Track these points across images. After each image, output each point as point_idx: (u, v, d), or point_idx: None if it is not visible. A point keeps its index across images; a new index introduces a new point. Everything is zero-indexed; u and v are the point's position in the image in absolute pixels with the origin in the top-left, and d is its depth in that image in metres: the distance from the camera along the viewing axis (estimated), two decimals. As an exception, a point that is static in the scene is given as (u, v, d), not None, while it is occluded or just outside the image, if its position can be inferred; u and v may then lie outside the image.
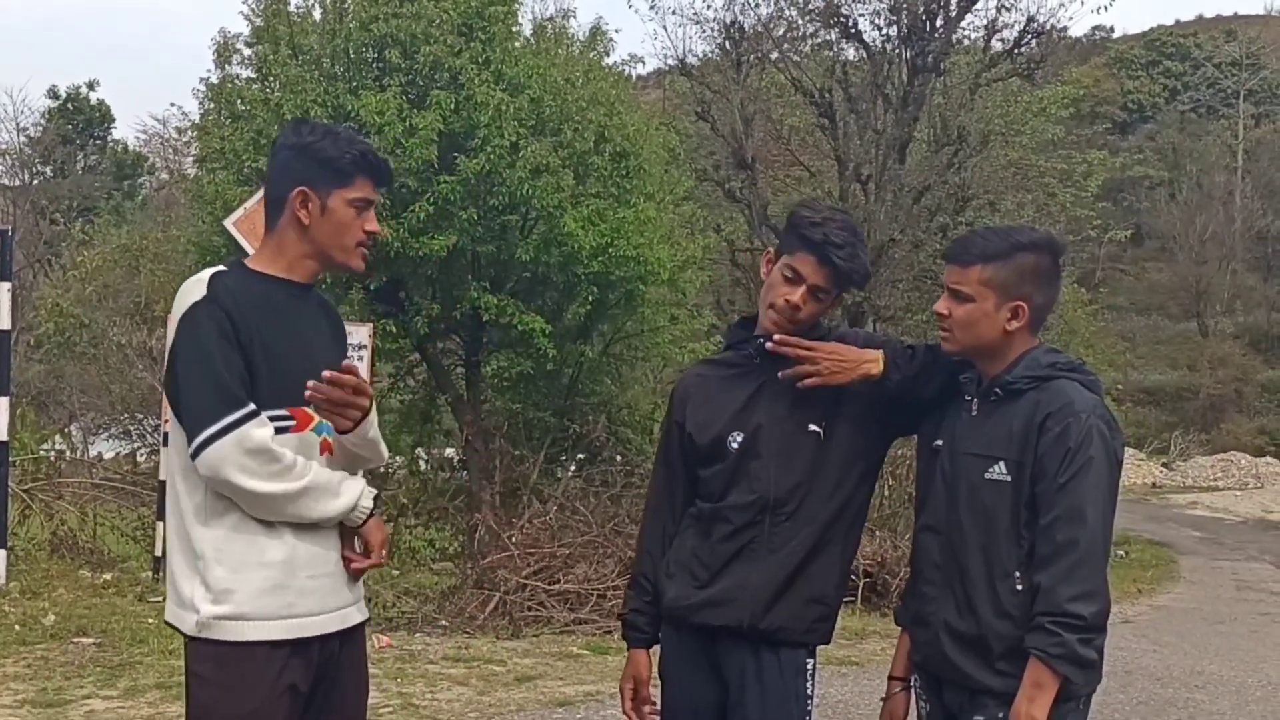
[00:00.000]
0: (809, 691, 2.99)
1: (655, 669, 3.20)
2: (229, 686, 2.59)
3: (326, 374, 2.63)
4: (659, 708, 3.18)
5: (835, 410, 2.97)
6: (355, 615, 2.82)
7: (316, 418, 2.69)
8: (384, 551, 2.81)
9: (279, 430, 2.63)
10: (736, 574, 2.96)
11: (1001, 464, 2.74)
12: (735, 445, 2.99)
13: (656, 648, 3.20)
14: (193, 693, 2.66)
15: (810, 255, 2.96)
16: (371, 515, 2.75)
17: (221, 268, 2.73)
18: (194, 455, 2.56)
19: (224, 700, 2.59)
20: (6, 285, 9.23)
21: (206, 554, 2.59)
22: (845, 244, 2.97)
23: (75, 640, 7.54)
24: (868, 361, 2.91)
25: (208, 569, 2.58)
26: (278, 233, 2.76)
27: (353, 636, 2.83)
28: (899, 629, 3.08)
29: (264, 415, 2.60)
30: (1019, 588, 2.70)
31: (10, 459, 9.73)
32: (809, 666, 2.99)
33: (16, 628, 7.84)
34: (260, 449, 2.55)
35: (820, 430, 2.96)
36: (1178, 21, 79.04)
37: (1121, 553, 17.59)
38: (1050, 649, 2.60)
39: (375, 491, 2.76)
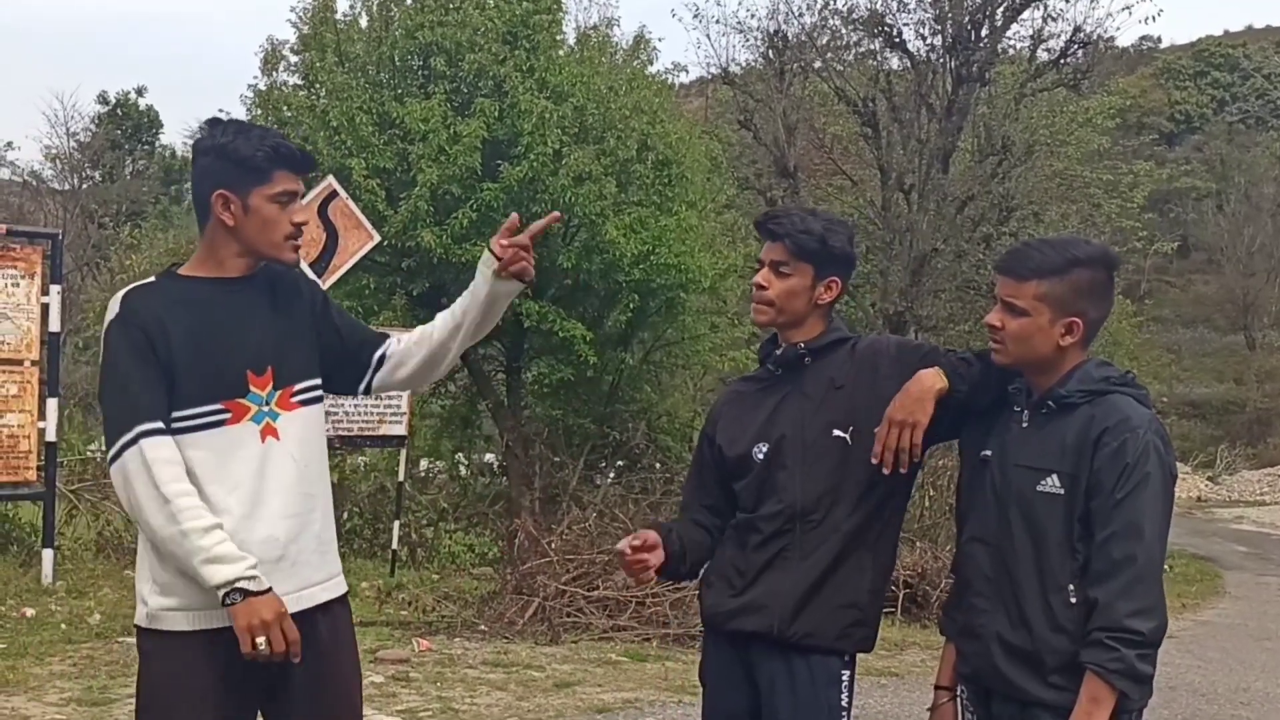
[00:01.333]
0: (844, 703, 2.97)
1: (698, 672, 3.22)
2: (174, 673, 2.69)
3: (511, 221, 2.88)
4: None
5: (862, 416, 2.96)
6: (320, 594, 2.81)
7: (255, 407, 2.73)
8: (260, 643, 2.61)
9: (213, 424, 2.68)
10: (768, 581, 2.97)
11: (1054, 477, 2.72)
12: (760, 456, 3.01)
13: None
14: (140, 680, 2.79)
15: (763, 239, 3.07)
16: (235, 600, 2.60)
17: (146, 280, 2.82)
18: (109, 465, 2.69)
19: (168, 688, 2.70)
20: (57, 288, 9.37)
21: (151, 550, 2.71)
22: (784, 214, 3.06)
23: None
24: (927, 391, 2.86)
25: (154, 564, 2.71)
26: (206, 235, 2.78)
27: (323, 617, 2.80)
28: (938, 640, 3.06)
29: (165, 436, 2.63)
30: (1073, 601, 2.68)
31: (58, 459, 9.85)
32: (844, 677, 2.97)
33: (63, 626, 7.94)
34: (149, 464, 2.60)
35: (846, 436, 2.95)
36: (1226, 32, 78.23)
37: (1166, 567, 17.38)
38: (1109, 664, 2.59)
39: (253, 576, 2.61)
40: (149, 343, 2.65)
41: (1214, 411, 46.84)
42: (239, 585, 2.59)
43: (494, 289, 2.92)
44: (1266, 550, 21.74)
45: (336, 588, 2.86)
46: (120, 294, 2.75)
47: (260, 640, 2.60)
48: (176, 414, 2.67)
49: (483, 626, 8.82)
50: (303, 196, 2.83)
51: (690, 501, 3.25)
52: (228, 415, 2.70)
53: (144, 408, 2.62)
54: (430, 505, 13.35)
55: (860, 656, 3.06)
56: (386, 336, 3.04)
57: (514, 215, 3.00)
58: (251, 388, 2.74)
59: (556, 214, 3.06)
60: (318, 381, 2.88)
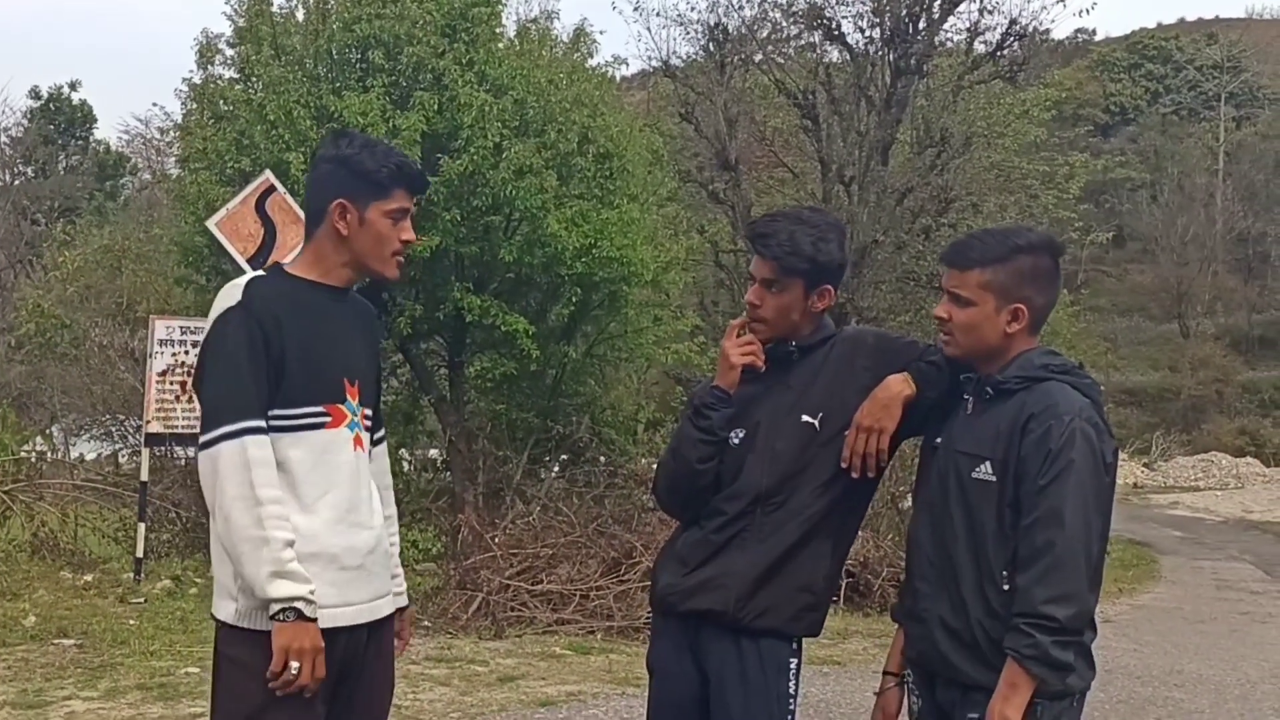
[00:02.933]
0: (791, 691, 3.00)
1: (645, 660, 3.23)
2: (262, 672, 2.64)
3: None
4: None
5: (833, 404, 2.99)
6: (385, 607, 2.89)
7: (350, 415, 2.81)
8: (294, 668, 2.62)
9: (316, 426, 2.75)
10: (724, 561, 2.99)
11: (988, 464, 2.76)
12: (736, 441, 3.04)
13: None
14: (225, 677, 2.75)
15: (754, 254, 3.08)
16: (288, 618, 2.62)
17: (260, 273, 2.87)
18: (201, 448, 2.69)
19: (257, 686, 2.64)
20: (-13, 286, 9.20)
21: None
22: (773, 231, 3.04)
23: (56, 641, 7.52)
24: (895, 398, 2.91)
25: None
26: (316, 241, 2.85)
27: (380, 629, 2.89)
28: (881, 629, 3.11)
29: (266, 437, 2.66)
30: (1005, 588, 2.71)
31: (-9, 460, 9.69)
32: (792, 665, 3.00)
33: (-3, 629, 7.81)
34: (249, 463, 2.62)
35: (815, 422, 2.99)
36: (1159, 24, 79.49)
37: (1102, 553, 17.66)
38: (1024, 650, 2.62)
39: (311, 601, 2.64)
40: (264, 337, 2.69)
41: (1149, 399, 47.63)
42: (296, 605, 2.61)
43: None
44: (1200, 535, 22.15)
45: (395, 602, 2.97)
46: (241, 282, 2.78)
47: (295, 665, 2.61)
48: (282, 411, 2.72)
49: (426, 622, 8.79)
50: (413, 217, 2.91)
51: None
52: (328, 419, 2.78)
53: (253, 403, 2.66)
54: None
55: (804, 644, 3.09)
56: (383, 428, 3.13)
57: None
58: (348, 396, 2.83)
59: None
60: (374, 414, 2.98)
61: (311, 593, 2.63)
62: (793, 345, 3.07)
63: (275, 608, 2.61)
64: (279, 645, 2.61)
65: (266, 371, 2.69)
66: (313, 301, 2.81)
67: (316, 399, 2.76)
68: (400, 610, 3.04)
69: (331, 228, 2.81)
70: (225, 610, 2.72)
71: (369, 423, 2.92)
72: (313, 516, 2.71)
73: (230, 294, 2.75)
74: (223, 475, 2.63)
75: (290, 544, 2.63)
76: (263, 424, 2.66)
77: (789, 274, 3.01)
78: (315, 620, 2.64)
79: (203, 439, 2.69)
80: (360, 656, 2.82)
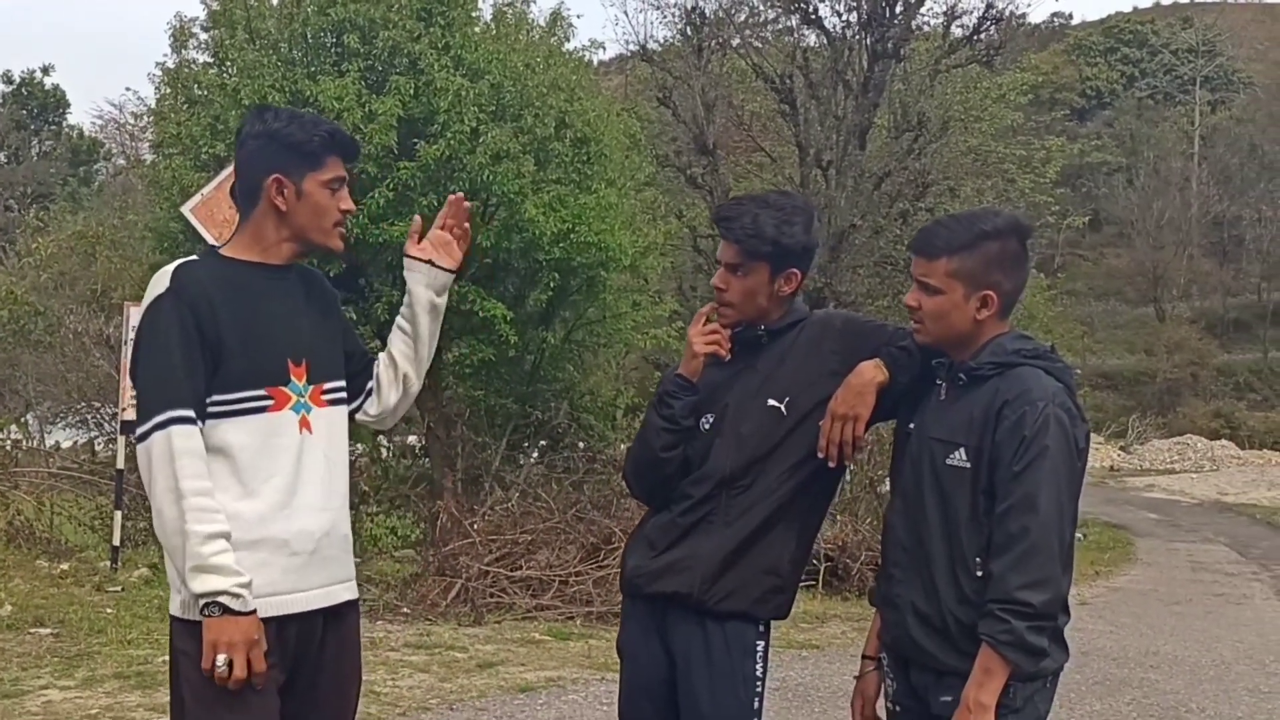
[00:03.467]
0: (758, 673, 3.00)
1: (615, 644, 3.23)
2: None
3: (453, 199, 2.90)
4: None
5: (800, 387, 2.99)
6: (343, 593, 2.83)
7: (295, 397, 2.74)
8: (220, 663, 2.56)
9: (257, 410, 2.68)
10: (691, 545, 3.00)
11: (962, 450, 2.76)
12: (707, 426, 3.04)
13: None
14: (176, 668, 2.71)
15: (720, 239, 3.08)
16: (213, 613, 2.56)
17: (192, 257, 2.79)
18: (137, 441, 2.65)
19: (205, 678, 2.59)
20: (-41, 273, 9.12)
21: None
22: (737, 215, 3.03)
23: (32, 630, 7.48)
24: (868, 384, 2.90)
25: None
26: (253, 221, 2.78)
27: (340, 616, 2.83)
28: (859, 613, 3.13)
29: (194, 427, 2.60)
30: (979, 574, 2.72)
31: (-36, 448, 9.62)
32: (759, 648, 3.00)
33: (-28, 619, 7.76)
34: (173, 454, 2.57)
35: (781, 406, 2.99)
36: (1135, 9, 79.82)
37: (1080, 535, 17.77)
38: (999, 635, 2.63)
39: (239, 595, 2.56)
40: (197, 322, 2.63)
41: (1126, 382, 47.96)
42: (220, 599, 2.55)
43: (431, 285, 2.98)
44: (1176, 517, 22.31)
45: (355, 588, 2.90)
46: (169, 268, 2.71)
47: (221, 660, 2.55)
48: (221, 396, 2.66)
49: (405, 609, 8.79)
50: (350, 184, 2.86)
51: None
52: (270, 402, 2.71)
53: (182, 392, 2.60)
54: (351, 488, 13.21)
55: (781, 629, 3.10)
56: (374, 362, 3.06)
57: (416, 218, 3.05)
58: (292, 377, 2.76)
59: (458, 196, 3.03)
60: (343, 384, 2.91)
61: (242, 585, 2.56)
62: (762, 329, 3.06)
63: (200, 602, 2.56)
64: (207, 640, 2.57)
65: (201, 357, 2.63)
66: (250, 282, 2.74)
67: (257, 382, 2.70)
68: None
69: (269, 204, 2.75)
70: (173, 603, 2.69)
71: (330, 398, 2.84)
72: (257, 501, 2.66)
73: (160, 281, 2.69)
74: (153, 469, 2.59)
75: (216, 536, 2.55)
76: (189, 413, 2.60)
77: (753, 257, 3.00)
78: (248, 613, 2.57)
79: (137, 431, 2.65)
80: (317, 644, 2.76)
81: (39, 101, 44.38)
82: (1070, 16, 70.43)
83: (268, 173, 2.74)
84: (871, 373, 2.91)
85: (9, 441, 14.77)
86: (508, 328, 11.97)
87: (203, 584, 2.54)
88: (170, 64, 13.31)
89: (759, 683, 3.01)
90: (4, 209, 32.97)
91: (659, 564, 3.03)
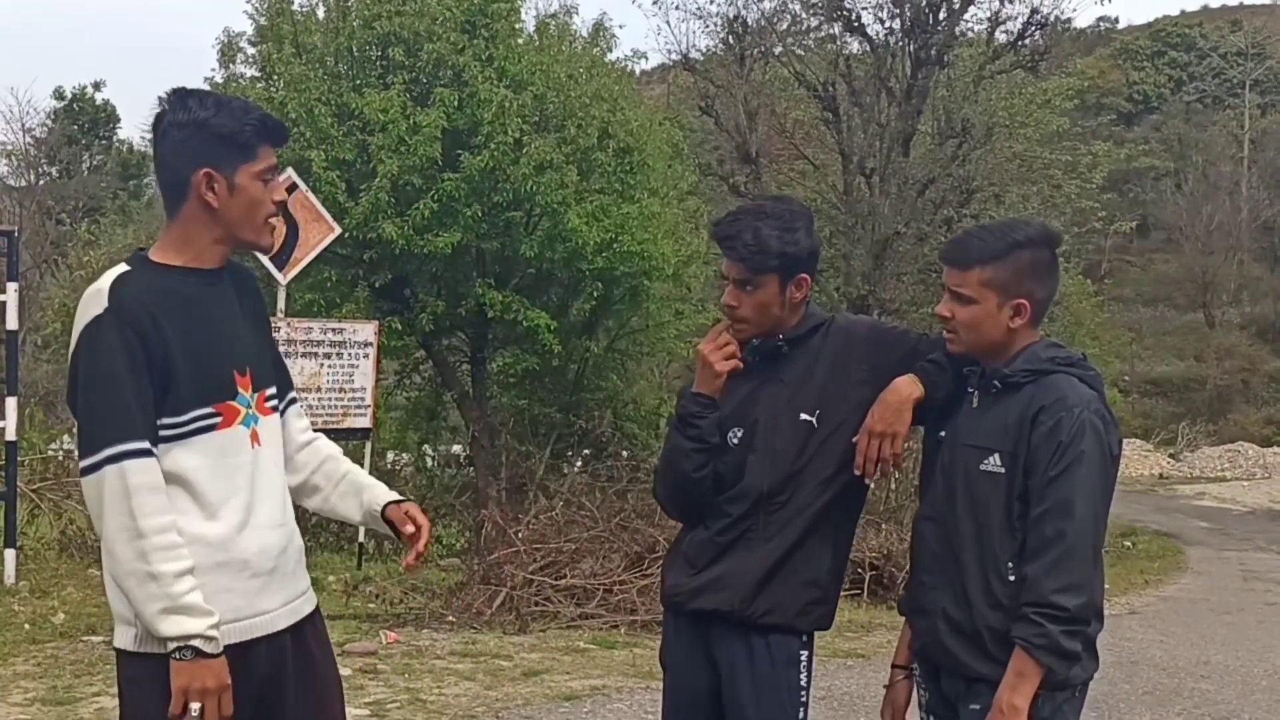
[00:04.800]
0: (802, 683, 3.00)
1: (658, 656, 3.23)
2: (165, 698, 2.44)
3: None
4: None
5: (830, 399, 2.98)
6: (304, 606, 2.70)
7: (243, 410, 2.58)
8: (194, 710, 2.42)
9: (207, 429, 2.51)
10: (730, 561, 2.99)
11: (996, 456, 2.76)
12: (735, 441, 3.02)
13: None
14: (128, 703, 2.56)
15: (724, 256, 3.03)
16: (185, 656, 2.40)
17: (124, 269, 2.53)
18: (83, 475, 2.46)
19: (162, 709, 2.44)
20: (14, 286, 9.26)
21: None
22: (737, 232, 2.97)
23: (85, 638, 7.57)
24: (905, 400, 2.89)
25: None
26: (181, 220, 2.55)
27: (303, 630, 2.69)
28: (903, 619, 3.10)
29: (149, 459, 2.42)
30: (1011, 579, 2.72)
31: (19, 459, 9.76)
32: (803, 658, 3.00)
33: (26, 626, 7.87)
34: (129, 491, 2.40)
35: (813, 419, 2.97)
36: (1183, 12, 79.00)
37: (1128, 544, 17.59)
38: (1033, 639, 2.63)
39: (211, 637, 2.42)
40: (142, 343, 2.42)
41: (1175, 389, 47.35)
42: (193, 643, 2.39)
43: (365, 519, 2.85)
44: (1227, 526, 22.02)
45: (313, 598, 2.76)
46: (104, 285, 2.47)
47: (195, 708, 2.40)
48: (171, 420, 2.47)
49: (450, 617, 8.82)
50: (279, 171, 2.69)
51: None
52: (219, 419, 2.53)
53: (131, 422, 2.40)
54: (397, 498, 13.31)
55: (827, 638, 3.10)
56: (287, 372, 2.85)
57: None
58: (239, 389, 2.58)
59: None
60: (276, 389, 2.73)
61: (213, 626, 2.41)
62: (781, 339, 3.03)
63: (171, 646, 2.39)
64: (178, 686, 2.39)
65: (150, 380, 2.43)
66: (188, 292, 2.53)
67: (204, 400, 2.50)
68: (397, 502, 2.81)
69: (199, 201, 2.51)
70: (124, 638, 2.50)
71: (270, 404, 2.67)
72: (218, 524, 2.50)
73: (95, 300, 2.45)
74: (106, 505, 2.39)
75: (186, 573, 2.39)
76: (145, 445, 2.41)
77: (761, 271, 2.96)
78: (219, 655, 2.42)
79: (82, 464, 2.43)
80: (287, 663, 2.63)
81: (90, 117, 44.97)
82: (1116, 20, 69.82)
83: (197, 166, 2.50)
84: (908, 389, 2.89)
85: (61, 452, 14.97)
86: (551, 337, 12.02)
87: (175, 626, 2.38)
88: (218, 78, 13.52)
89: (804, 692, 3.01)
90: (56, 223, 33.45)
91: (698, 582, 3.02)
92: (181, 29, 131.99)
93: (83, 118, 44.73)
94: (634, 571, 9.21)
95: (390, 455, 15.00)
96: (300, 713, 2.67)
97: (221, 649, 2.44)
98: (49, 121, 42.42)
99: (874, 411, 2.90)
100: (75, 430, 2.58)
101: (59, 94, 44.26)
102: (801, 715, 3.00)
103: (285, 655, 2.63)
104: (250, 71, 13.48)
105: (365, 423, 10.67)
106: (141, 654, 2.47)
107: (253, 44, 13.34)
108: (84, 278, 20.26)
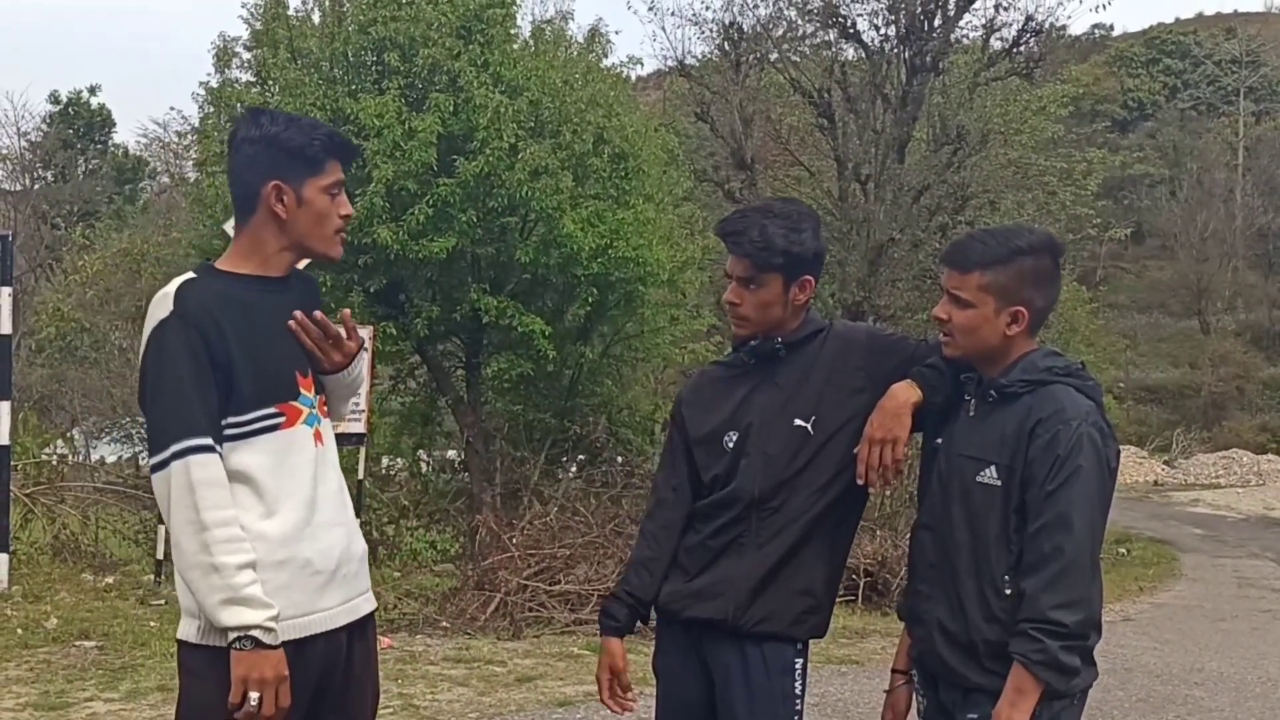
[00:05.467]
0: (797, 691, 2.99)
1: (651, 664, 3.22)
2: (226, 689, 2.51)
3: (292, 323, 2.68)
4: (635, 695, 3.19)
5: (826, 405, 2.97)
6: (364, 605, 2.77)
7: (306, 410, 2.67)
8: (253, 700, 2.49)
9: (271, 428, 2.60)
10: (723, 568, 2.98)
11: (993, 468, 2.74)
12: (730, 444, 3.01)
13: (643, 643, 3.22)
14: (188, 694, 2.62)
15: (729, 253, 3.02)
16: (244, 646, 2.48)
17: (190, 275, 2.66)
18: (152, 472, 2.57)
19: (223, 701, 2.51)
20: (8, 290, 9.25)
21: None
22: (744, 228, 2.97)
23: (77, 643, 7.56)
24: (903, 406, 2.88)
25: None
26: (250, 230, 2.68)
27: (364, 630, 2.77)
28: (900, 626, 3.09)
29: (213, 455, 2.51)
30: (1007, 593, 2.70)
31: (12, 463, 9.74)
32: (797, 665, 2.98)
33: (19, 631, 7.86)
34: (193, 485, 2.49)
35: (808, 425, 2.96)
36: (1178, 19, 79.05)
37: (1123, 550, 17.60)
38: (1032, 655, 2.61)
39: (271, 629, 2.50)
40: (206, 345, 2.53)
41: (1170, 396, 47.43)
42: (253, 634, 2.47)
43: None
44: (1222, 533, 22.03)
45: (373, 600, 2.83)
46: (170, 290, 2.60)
47: (255, 697, 2.47)
48: (235, 419, 2.57)
49: (444, 623, 8.82)
50: (348, 190, 2.76)
51: (660, 499, 3.21)
52: (283, 419, 2.63)
53: (197, 420, 2.51)
54: (391, 503, 13.31)
55: (822, 644, 3.09)
56: None
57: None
58: (301, 390, 2.68)
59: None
60: None
61: (273, 618, 2.49)
62: (779, 342, 3.02)
63: (231, 636, 2.47)
64: (237, 676, 2.47)
65: (214, 381, 2.54)
66: (252, 298, 2.64)
67: (267, 400, 2.60)
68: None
69: (268, 213, 2.64)
70: (187, 629, 2.58)
71: (327, 408, 2.79)
72: (279, 521, 2.58)
73: (162, 304, 2.58)
74: (172, 500, 2.50)
75: (247, 566, 2.48)
76: (208, 441, 2.51)
77: (765, 269, 2.96)
78: (277, 647, 2.50)
79: (151, 462, 2.56)
80: (342, 660, 2.70)
81: (85, 121, 44.90)
82: (1111, 28, 69.85)
83: (266, 179, 2.63)
84: (906, 394, 2.88)
85: (55, 456, 14.94)
86: (546, 343, 12.01)
87: (236, 617, 2.46)
88: (214, 83, 13.50)
89: (799, 700, 3.00)
90: (51, 227, 33.39)
91: (691, 589, 3.01)
92: (177, 33, 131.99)
93: (78, 122, 44.65)
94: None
95: (385, 461, 14.99)
96: (351, 708, 2.75)
97: (280, 641, 2.50)
98: (44, 125, 42.36)
99: (873, 419, 2.89)
100: (145, 430, 2.69)
101: (54, 98, 44.20)
102: None
103: (341, 653, 2.70)
104: (245, 76, 13.48)
105: (360, 428, 10.65)
106: (203, 646, 2.55)
107: (248, 49, 13.34)
108: (78, 282, 20.25)
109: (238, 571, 2.47)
